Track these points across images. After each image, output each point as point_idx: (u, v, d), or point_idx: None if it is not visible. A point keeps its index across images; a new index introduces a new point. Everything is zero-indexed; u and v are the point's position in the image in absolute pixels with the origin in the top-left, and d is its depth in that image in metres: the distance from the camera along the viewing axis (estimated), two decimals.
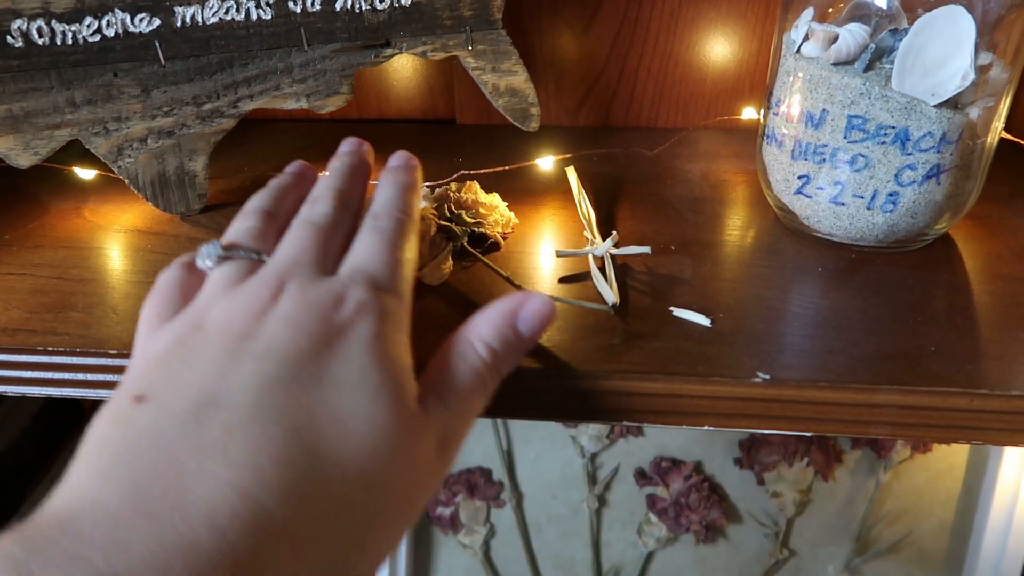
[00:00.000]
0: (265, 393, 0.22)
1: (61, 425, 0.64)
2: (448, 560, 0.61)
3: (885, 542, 0.54)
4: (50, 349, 0.33)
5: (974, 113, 0.33)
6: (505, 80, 0.45)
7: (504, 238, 0.40)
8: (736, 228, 0.41)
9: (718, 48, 0.51)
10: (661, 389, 0.31)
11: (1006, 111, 0.35)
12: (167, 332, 0.26)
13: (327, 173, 0.34)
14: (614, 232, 0.38)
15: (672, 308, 0.34)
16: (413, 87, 0.56)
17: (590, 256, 0.38)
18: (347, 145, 0.36)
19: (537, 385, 0.31)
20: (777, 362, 0.31)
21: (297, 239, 0.28)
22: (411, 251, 0.29)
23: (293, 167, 0.35)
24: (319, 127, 0.56)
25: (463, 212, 0.40)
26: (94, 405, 0.60)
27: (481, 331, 0.27)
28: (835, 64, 0.34)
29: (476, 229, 0.40)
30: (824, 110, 0.35)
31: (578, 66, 0.53)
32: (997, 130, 0.35)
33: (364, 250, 0.28)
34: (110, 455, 0.21)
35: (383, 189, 0.32)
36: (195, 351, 0.24)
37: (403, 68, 0.55)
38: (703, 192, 0.45)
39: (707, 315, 0.34)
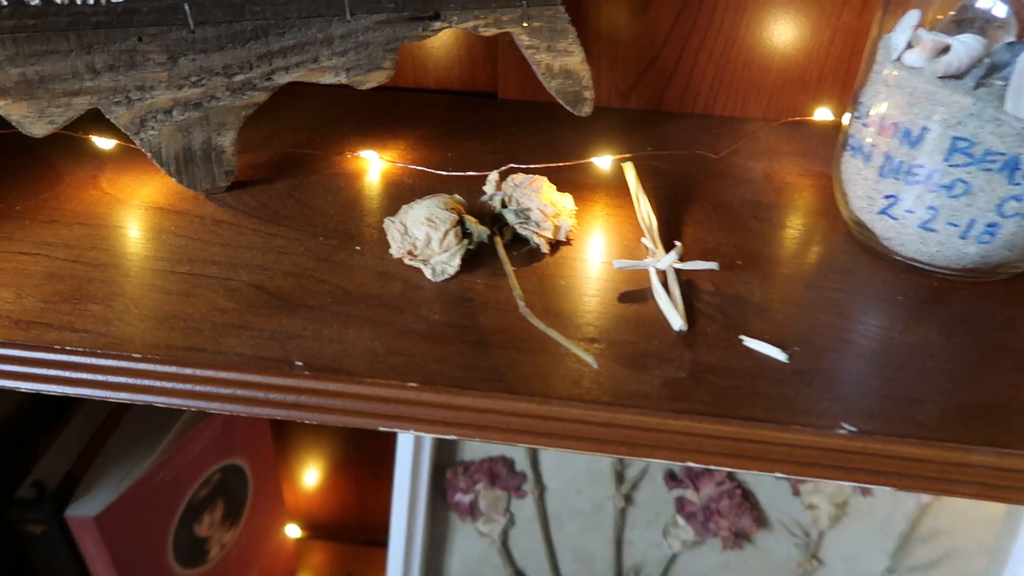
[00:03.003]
0: None
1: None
2: (464, 546, 0.60)
3: (920, 560, 0.52)
4: (68, 348, 0.31)
5: None
6: (560, 61, 0.42)
7: (555, 246, 0.37)
8: (805, 242, 0.38)
9: (787, 34, 0.47)
10: (734, 433, 0.28)
11: None
12: None
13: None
14: (677, 243, 0.35)
15: (743, 337, 0.32)
16: (454, 56, 0.52)
17: (651, 269, 0.35)
18: None
19: (595, 418, 0.29)
20: (860, 410, 0.28)
21: None
22: None
23: None
24: (351, 95, 0.52)
25: (507, 210, 0.37)
26: None
27: None
28: (942, 78, 0.31)
29: (518, 229, 0.37)
30: (924, 128, 0.31)
31: (635, 44, 0.49)
32: None
33: None
34: None
35: None
36: None
37: (445, 35, 0.51)
38: (767, 196, 0.42)
39: (781, 348, 0.31)
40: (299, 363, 0.30)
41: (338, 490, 0.80)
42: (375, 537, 0.80)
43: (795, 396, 0.29)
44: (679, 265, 0.35)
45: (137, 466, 0.54)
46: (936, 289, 0.35)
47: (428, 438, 0.57)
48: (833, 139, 0.47)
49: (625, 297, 0.34)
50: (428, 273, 0.35)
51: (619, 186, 0.42)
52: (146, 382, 0.31)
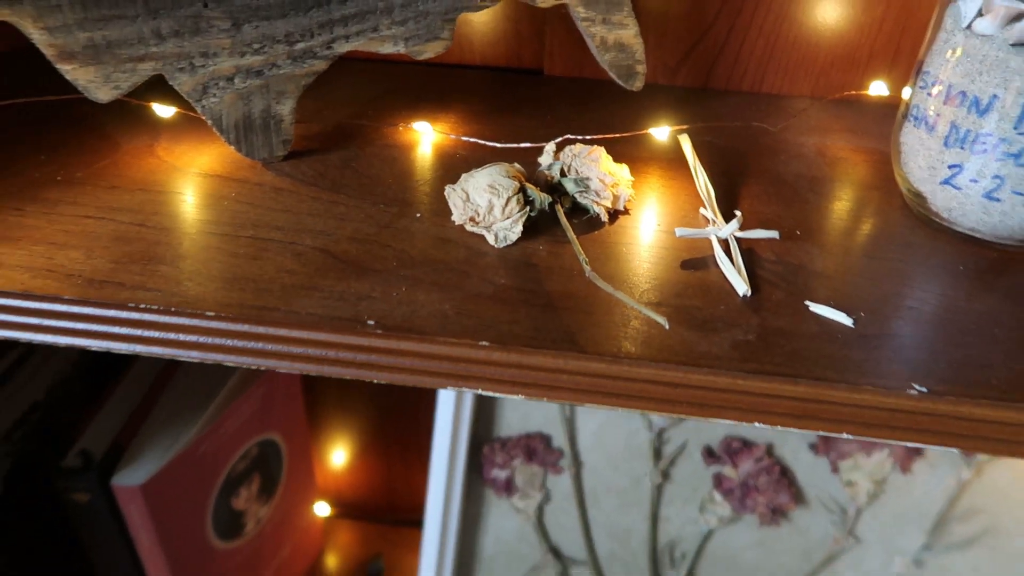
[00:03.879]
0: None
1: (106, 364, 0.62)
2: (499, 522, 0.61)
3: (958, 537, 0.52)
4: (142, 307, 0.31)
5: None
6: (614, 34, 0.42)
7: (613, 215, 0.38)
8: (861, 215, 0.39)
9: (839, 10, 0.47)
10: (804, 393, 0.29)
11: None
12: None
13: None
14: (738, 212, 0.36)
15: (808, 303, 0.32)
16: (500, 32, 0.52)
17: (713, 237, 0.35)
18: None
19: (666, 378, 0.29)
20: (931, 373, 0.29)
21: None
22: None
23: None
24: (395, 71, 0.53)
25: (567, 179, 0.37)
26: None
27: None
28: (1014, 45, 0.31)
29: (578, 198, 0.37)
30: (994, 95, 0.31)
31: (685, 19, 0.49)
32: None
33: None
34: None
35: None
36: None
37: (491, 10, 0.51)
38: (821, 171, 0.42)
39: (847, 313, 0.31)
40: (371, 322, 0.30)
41: (368, 470, 0.80)
42: (403, 517, 0.81)
43: (863, 359, 0.29)
44: (740, 234, 0.35)
45: (181, 436, 0.55)
46: (997, 260, 0.35)
47: (467, 412, 0.57)
48: (884, 115, 0.47)
49: (687, 264, 0.34)
50: (491, 239, 0.35)
51: (674, 159, 0.42)
52: (219, 340, 0.31)
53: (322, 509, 0.79)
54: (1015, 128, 0.31)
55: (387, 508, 0.82)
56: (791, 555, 0.55)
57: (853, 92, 0.49)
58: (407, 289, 0.32)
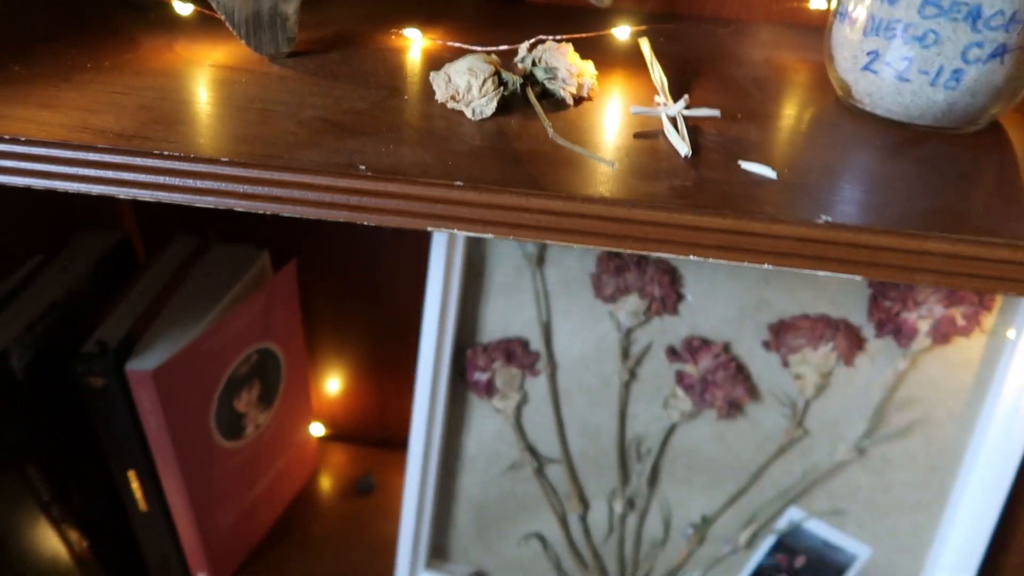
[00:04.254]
0: None
1: (121, 272, 0.67)
2: (480, 423, 0.66)
3: (895, 427, 0.57)
4: (166, 154, 0.36)
5: None
6: None
7: (578, 100, 0.43)
8: (798, 105, 0.44)
9: None
10: (730, 226, 0.34)
11: None
12: None
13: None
14: (685, 95, 0.41)
15: (740, 161, 0.37)
16: None
17: (663, 115, 0.40)
18: None
19: (613, 213, 0.34)
20: (838, 210, 0.34)
21: None
22: None
23: None
24: None
25: (537, 68, 0.43)
26: (149, 257, 0.64)
27: None
28: None
29: (547, 84, 0.42)
30: None
31: None
32: None
33: None
34: None
35: None
36: None
37: None
38: (766, 73, 0.47)
39: (773, 169, 0.36)
40: (362, 167, 0.35)
41: (361, 394, 0.86)
42: (395, 439, 0.86)
43: (783, 199, 0.34)
44: (687, 112, 0.40)
45: (189, 331, 0.60)
46: (911, 138, 0.40)
47: (452, 316, 0.62)
48: None
49: (639, 135, 0.39)
50: (468, 113, 0.40)
51: (636, 61, 0.47)
52: (232, 187, 0.36)
53: (317, 430, 0.84)
54: (919, 13, 0.36)
55: (379, 431, 0.87)
56: (747, 447, 0.61)
57: (798, 4, 0.54)
58: (394, 146, 0.37)
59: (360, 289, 0.79)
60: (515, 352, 0.63)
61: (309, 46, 0.48)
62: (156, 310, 0.62)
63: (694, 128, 0.40)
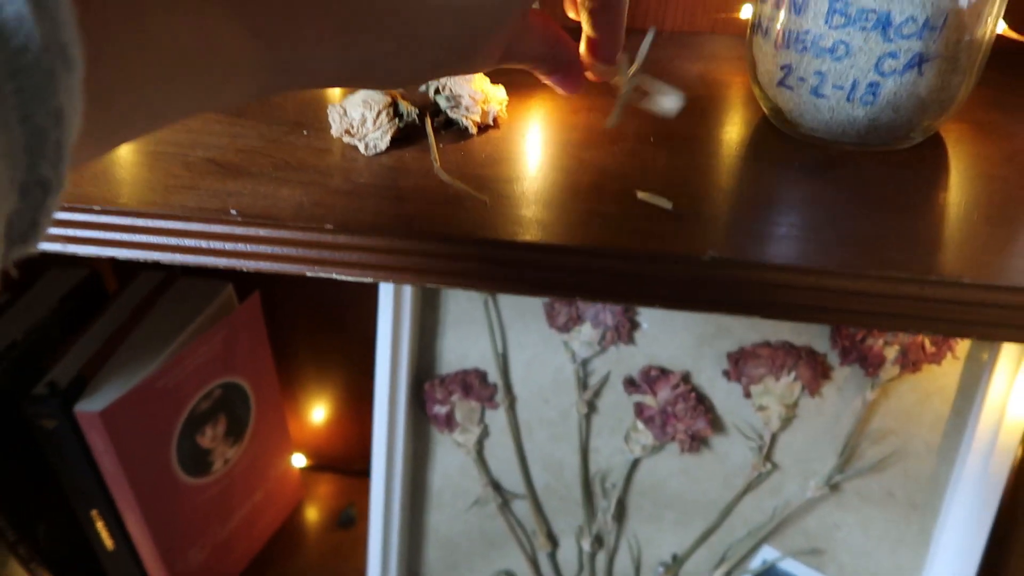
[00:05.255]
0: None
1: (87, 308, 0.67)
2: (444, 458, 0.64)
3: (869, 460, 0.53)
4: None
5: (963, 0, 0.32)
6: None
7: (483, 128, 0.40)
8: (721, 124, 0.41)
9: None
10: (617, 267, 0.31)
11: (1001, 2, 0.33)
12: None
13: None
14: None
15: (637, 191, 0.34)
16: None
17: None
18: None
19: (502, 257, 0.32)
20: (730, 243, 0.31)
21: None
22: None
23: None
24: None
25: (440, 96, 0.41)
26: (118, 290, 0.63)
27: None
28: None
29: (449, 113, 0.40)
30: None
31: None
32: (990, 22, 0.33)
33: None
34: None
35: None
36: None
37: None
38: (697, 91, 0.44)
39: (671, 200, 0.34)
40: (233, 211, 0.34)
41: (342, 423, 0.84)
42: None
43: (672, 232, 0.32)
44: None
45: (144, 368, 0.59)
46: (835, 158, 0.37)
47: (404, 348, 0.60)
48: None
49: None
50: (362, 148, 0.38)
51: None
52: (106, 235, 0.35)
53: (299, 460, 0.83)
54: (826, 22, 0.33)
55: (362, 461, 0.85)
56: (713, 482, 0.57)
57: (728, 16, 0.51)
58: (274, 187, 0.36)
59: (332, 319, 0.78)
60: (472, 384, 0.61)
61: None
62: (112, 347, 0.61)
63: (600, 153, 0.38)
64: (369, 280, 0.35)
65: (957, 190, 0.35)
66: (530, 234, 0.32)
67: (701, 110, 0.42)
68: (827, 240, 0.31)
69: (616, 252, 0.31)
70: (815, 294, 0.30)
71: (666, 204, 0.33)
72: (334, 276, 0.35)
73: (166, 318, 0.65)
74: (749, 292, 0.31)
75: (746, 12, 0.50)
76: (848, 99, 0.35)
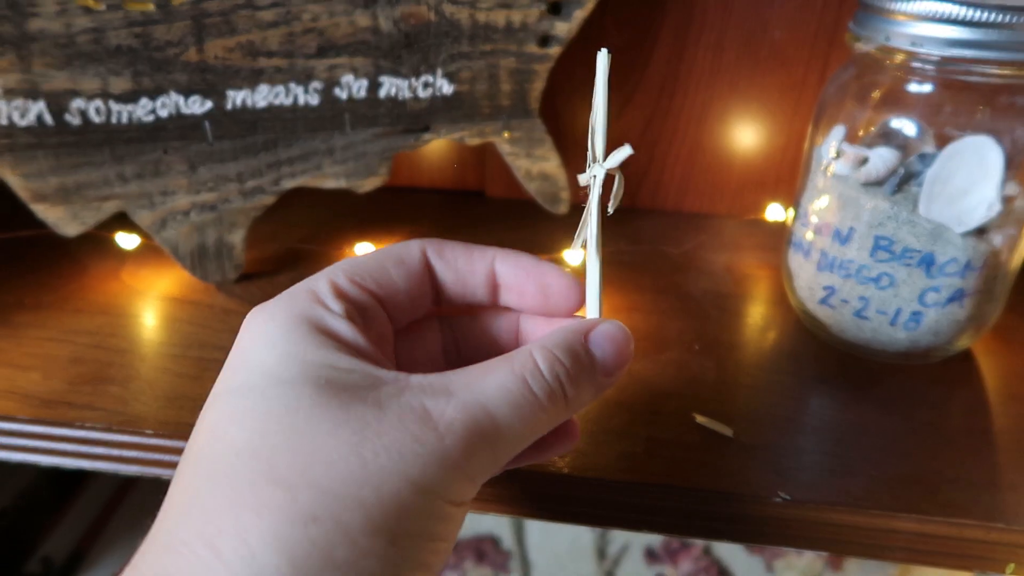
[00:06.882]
0: None
1: (77, 473, 0.64)
2: None
3: None
4: (87, 425, 0.34)
5: (998, 240, 0.34)
6: (538, 165, 0.47)
7: None
8: (759, 328, 0.42)
9: (745, 141, 0.52)
10: (682, 505, 0.31)
11: None
12: None
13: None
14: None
15: (695, 415, 0.35)
16: (445, 159, 0.57)
17: None
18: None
19: (558, 491, 0.32)
20: (798, 481, 0.32)
21: None
22: None
23: None
24: (350, 196, 0.57)
25: None
26: None
27: (544, 342, 0.24)
28: (864, 184, 0.35)
29: None
30: (852, 228, 0.36)
31: (609, 148, 0.54)
32: (1021, 254, 0.36)
33: None
34: None
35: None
36: None
37: (436, 142, 0.57)
38: (727, 287, 0.46)
39: (729, 424, 0.34)
40: None
41: None
42: None
43: (739, 468, 0.32)
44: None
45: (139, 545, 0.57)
46: (874, 372, 0.38)
47: None
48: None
49: None
50: None
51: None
52: (157, 456, 0.34)
53: None
54: (871, 256, 0.35)
55: None
56: None
57: (756, 217, 0.53)
58: None
59: None
60: (486, 551, 0.59)
61: (259, 266, 0.47)
62: (105, 519, 0.59)
63: (650, 364, 0.38)
64: None
65: (997, 414, 0.36)
66: (598, 468, 0.32)
67: (736, 311, 0.43)
68: (890, 478, 0.32)
69: (689, 491, 0.31)
70: (884, 535, 0.31)
71: (727, 431, 0.34)
72: None
73: (155, 488, 0.63)
74: (818, 531, 0.31)
75: (772, 212, 0.52)
76: (891, 323, 0.36)
